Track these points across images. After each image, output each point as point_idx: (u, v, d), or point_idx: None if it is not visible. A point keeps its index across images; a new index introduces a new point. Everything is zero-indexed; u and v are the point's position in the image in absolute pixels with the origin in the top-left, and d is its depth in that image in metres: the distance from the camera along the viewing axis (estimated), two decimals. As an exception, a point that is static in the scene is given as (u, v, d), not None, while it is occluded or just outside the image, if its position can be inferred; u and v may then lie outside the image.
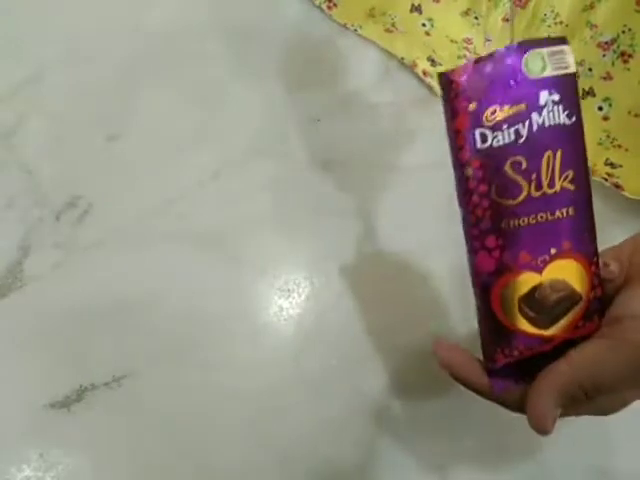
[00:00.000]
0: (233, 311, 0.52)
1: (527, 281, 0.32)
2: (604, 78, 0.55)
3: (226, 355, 0.51)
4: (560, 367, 0.31)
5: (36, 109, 0.56)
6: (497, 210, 0.31)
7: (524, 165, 0.30)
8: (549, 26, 0.57)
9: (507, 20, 0.59)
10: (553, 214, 0.31)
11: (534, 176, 0.31)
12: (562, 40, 0.31)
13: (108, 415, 0.49)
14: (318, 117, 0.58)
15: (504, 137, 0.30)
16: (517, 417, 0.50)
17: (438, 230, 0.55)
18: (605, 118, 0.55)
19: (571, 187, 0.31)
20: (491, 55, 0.30)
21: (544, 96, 0.30)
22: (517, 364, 0.33)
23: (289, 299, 0.53)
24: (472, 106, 0.30)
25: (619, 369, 0.30)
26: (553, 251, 0.32)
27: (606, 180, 0.54)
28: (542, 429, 0.31)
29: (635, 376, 0.30)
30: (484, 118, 0.30)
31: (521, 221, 0.31)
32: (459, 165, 0.32)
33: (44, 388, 0.49)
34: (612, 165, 0.55)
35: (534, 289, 0.32)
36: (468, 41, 0.62)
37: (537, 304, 0.32)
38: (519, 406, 0.33)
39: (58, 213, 0.53)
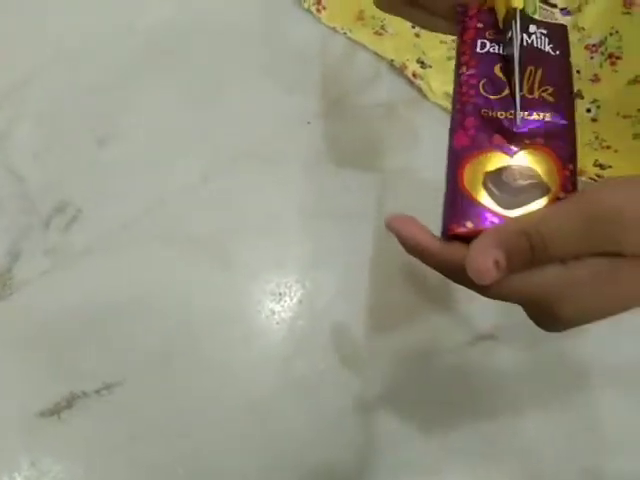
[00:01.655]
0: (224, 315, 0.52)
1: (497, 159, 0.34)
2: (592, 80, 0.55)
3: (217, 360, 0.51)
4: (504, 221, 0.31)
5: (26, 113, 0.56)
6: (480, 100, 0.36)
7: (510, 70, 0.36)
8: None
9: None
10: (531, 115, 0.35)
11: (517, 80, 0.35)
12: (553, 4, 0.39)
13: (99, 422, 0.49)
14: (309, 120, 0.58)
15: (499, 48, 0.37)
16: (513, 420, 0.51)
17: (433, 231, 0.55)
18: (594, 120, 0.56)
19: (551, 99, 0.36)
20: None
21: (533, 27, 0.37)
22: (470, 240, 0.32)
23: (280, 303, 0.53)
24: (480, 25, 0.38)
25: (570, 221, 0.28)
26: (527, 141, 0.34)
27: (595, 181, 0.55)
28: (477, 269, 0.28)
29: (588, 232, 0.28)
30: (486, 34, 0.37)
31: (499, 113, 0.35)
32: (459, 66, 0.37)
33: (34, 396, 0.49)
34: (601, 166, 0.56)
35: (502, 169, 0.34)
36: (458, 43, 0.62)
37: (503, 184, 0.34)
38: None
39: (47, 219, 0.53)
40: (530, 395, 0.52)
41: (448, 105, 0.60)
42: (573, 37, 0.55)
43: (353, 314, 0.53)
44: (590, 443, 0.51)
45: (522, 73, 0.35)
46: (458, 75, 0.37)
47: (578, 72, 0.56)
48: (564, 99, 0.36)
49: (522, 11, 0.36)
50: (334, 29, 0.61)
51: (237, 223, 0.54)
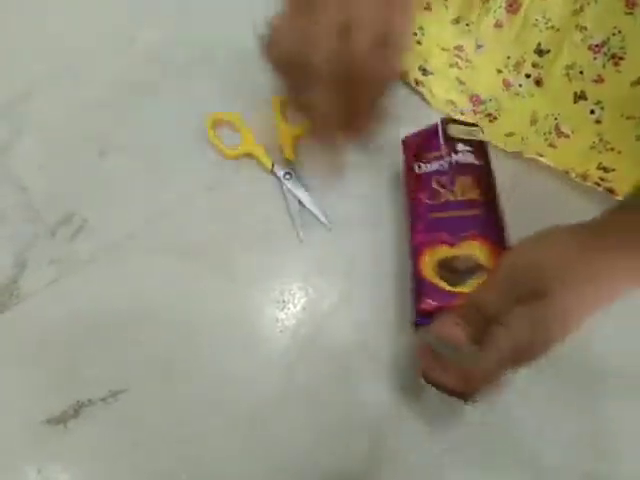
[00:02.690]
0: (229, 323, 0.52)
1: (446, 251, 0.48)
2: (595, 81, 0.54)
3: (222, 367, 0.51)
4: None
5: (29, 126, 0.57)
6: (428, 207, 0.50)
7: (444, 182, 0.50)
8: (540, 31, 0.57)
9: (499, 26, 0.59)
10: (465, 212, 0.49)
11: (451, 188, 0.50)
12: (475, 124, 0.54)
13: (105, 430, 0.50)
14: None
15: (432, 167, 0.52)
16: (512, 425, 0.50)
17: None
18: (597, 121, 0.55)
19: (479, 198, 0.49)
20: (427, 128, 0.53)
21: (460, 146, 0.52)
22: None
23: (284, 310, 0.53)
24: (414, 151, 0.53)
25: (498, 277, 0.40)
26: (464, 234, 0.48)
27: (599, 185, 0.54)
28: (447, 332, 0.40)
29: (513, 280, 0.39)
30: (421, 157, 0.52)
31: (443, 214, 0.49)
32: (410, 190, 0.52)
33: (41, 404, 0.50)
34: (605, 169, 0.55)
35: (450, 258, 0.48)
36: (459, 48, 0.62)
37: (451, 268, 0.47)
38: None
39: (53, 229, 0.54)
40: (532, 400, 0.51)
41: (449, 111, 0.60)
42: (576, 37, 0.55)
43: (357, 321, 0.53)
44: (593, 448, 0.50)
45: (454, 183, 0.50)
46: (409, 190, 0.52)
47: (581, 73, 0.55)
48: (489, 197, 0.49)
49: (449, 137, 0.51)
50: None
51: (240, 232, 0.54)
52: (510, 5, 0.58)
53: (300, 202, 0.55)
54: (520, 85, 0.58)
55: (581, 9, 0.55)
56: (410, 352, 0.52)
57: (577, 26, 0.55)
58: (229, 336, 0.52)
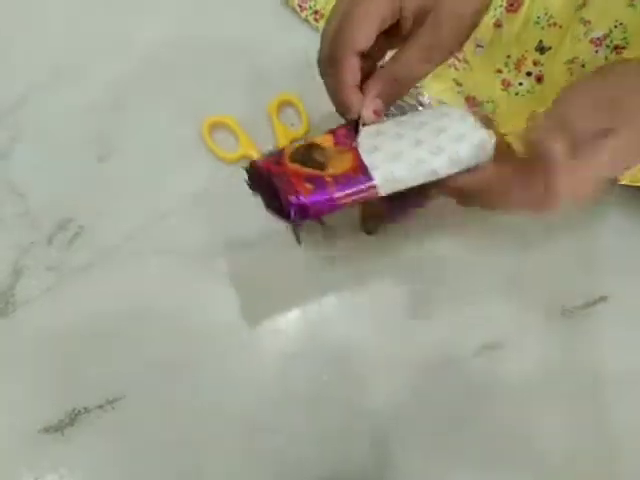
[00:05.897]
0: (224, 328, 0.52)
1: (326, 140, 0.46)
2: None
3: (218, 373, 0.50)
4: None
5: (26, 131, 0.57)
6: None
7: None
8: (542, 28, 0.56)
9: (499, 26, 0.58)
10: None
11: None
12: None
13: (102, 438, 0.49)
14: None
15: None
16: (519, 431, 0.49)
17: (427, 242, 0.54)
18: None
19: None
20: None
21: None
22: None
23: (282, 314, 0.52)
24: None
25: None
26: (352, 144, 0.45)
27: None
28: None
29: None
30: None
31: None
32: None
33: (38, 413, 0.49)
34: None
35: (320, 147, 0.45)
36: (458, 49, 0.61)
37: (312, 153, 0.45)
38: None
39: (50, 236, 0.54)
40: (537, 405, 0.50)
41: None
42: (578, 31, 0.54)
43: (354, 326, 0.52)
44: (600, 452, 0.49)
45: None
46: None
47: (583, 66, 0.54)
48: None
49: None
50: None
51: (235, 236, 0.54)
52: (511, 4, 0.57)
53: (298, 205, 0.55)
54: (520, 84, 0.57)
55: (584, 3, 0.54)
56: (413, 356, 0.51)
57: (581, 19, 0.54)
58: (227, 341, 0.51)
